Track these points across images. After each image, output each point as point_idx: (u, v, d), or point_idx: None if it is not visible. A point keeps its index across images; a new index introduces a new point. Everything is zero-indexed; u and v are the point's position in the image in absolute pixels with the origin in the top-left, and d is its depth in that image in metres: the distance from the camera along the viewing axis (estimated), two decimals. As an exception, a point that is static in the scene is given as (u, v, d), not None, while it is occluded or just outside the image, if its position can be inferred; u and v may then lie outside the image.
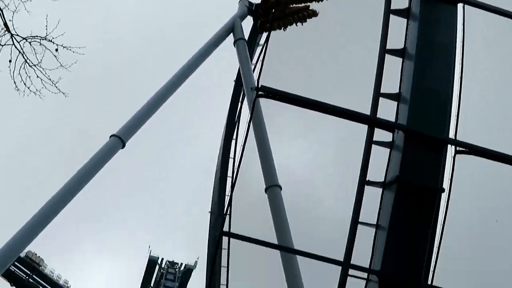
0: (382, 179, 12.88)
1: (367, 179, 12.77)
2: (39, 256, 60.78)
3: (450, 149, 12.72)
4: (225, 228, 27.13)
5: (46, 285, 61.50)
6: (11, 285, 59.71)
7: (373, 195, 13.02)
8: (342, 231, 13.08)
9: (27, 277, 59.95)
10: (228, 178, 31.89)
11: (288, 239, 20.26)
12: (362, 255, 12.98)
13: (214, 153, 38.12)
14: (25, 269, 59.66)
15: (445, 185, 12.77)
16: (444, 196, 12.88)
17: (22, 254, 57.05)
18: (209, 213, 32.17)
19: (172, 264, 53.51)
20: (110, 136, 24.82)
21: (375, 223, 12.73)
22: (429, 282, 12.43)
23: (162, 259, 54.66)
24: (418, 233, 12.12)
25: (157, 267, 54.84)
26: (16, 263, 57.29)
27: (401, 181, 12.03)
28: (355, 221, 12.61)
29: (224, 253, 31.39)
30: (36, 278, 60.44)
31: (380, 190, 12.87)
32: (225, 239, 31.35)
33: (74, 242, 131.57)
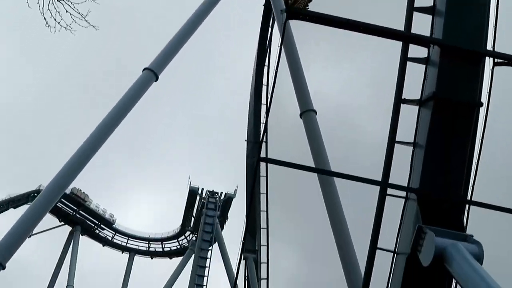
0: (418, 97, 12.66)
1: (403, 98, 12.54)
2: (83, 192, 62.62)
3: (488, 62, 12.34)
4: (262, 155, 27.56)
5: (93, 219, 63.72)
6: (60, 221, 62.08)
7: (409, 114, 12.85)
8: (379, 154, 13.04)
9: (74, 213, 62.04)
10: (262, 105, 31.87)
11: (325, 163, 20.35)
12: (400, 175, 12.97)
13: (247, 81, 38.06)
14: (71, 205, 61.71)
15: (483, 99, 12.50)
16: (482, 110, 12.64)
17: (68, 191, 58.94)
18: (246, 142, 32.49)
19: (212, 193, 54.52)
20: (143, 70, 24.96)
21: (412, 141, 12.62)
22: (468, 197, 12.41)
23: (203, 189, 55.74)
24: (456, 149, 11.97)
25: (198, 197, 56.03)
26: (62, 199, 59.35)
27: (438, 97, 11.78)
28: (392, 140, 12.52)
29: (262, 180, 31.86)
30: (83, 213, 62.50)
31: (416, 108, 12.67)
32: (262, 166, 31.80)
33: (116, 178, 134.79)
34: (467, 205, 12.34)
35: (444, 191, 12.00)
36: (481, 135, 13.33)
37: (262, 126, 32.01)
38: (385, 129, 12.91)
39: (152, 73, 24.67)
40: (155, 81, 24.86)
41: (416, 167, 12.35)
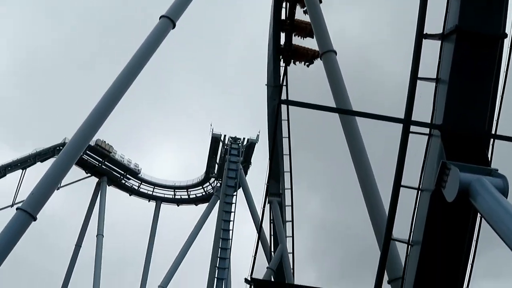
0: (440, 32, 12.35)
1: (424, 33, 12.25)
2: (108, 144, 63.27)
3: (513, -9, 11.93)
4: (283, 98, 27.44)
5: (118, 170, 64.62)
6: (86, 173, 63.11)
7: (432, 50, 12.58)
8: (401, 94, 12.85)
9: (99, 164, 62.92)
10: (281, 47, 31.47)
11: (346, 104, 20.19)
12: (423, 113, 12.82)
13: (266, 26, 37.54)
14: (96, 157, 62.53)
15: (508, 30, 12.15)
16: (506, 42, 12.32)
17: (92, 143, 59.65)
18: (266, 86, 32.32)
19: (234, 139, 54.61)
20: (160, 17, 24.74)
21: (435, 77, 12.41)
22: (493, 131, 12.26)
23: (225, 135, 55.89)
24: (480, 82, 11.76)
25: (221, 144, 56.26)
26: (87, 151, 60.18)
27: (461, 30, 11.49)
28: (414, 77, 12.31)
29: (284, 124, 31.88)
30: (108, 164, 63.35)
31: (439, 43, 12.40)
32: (284, 110, 31.76)
33: (139, 129, 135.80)
34: (492, 139, 12.22)
35: (468, 126, 11.87)
36: (506, 68, 13.07)
37: (282, 70, 31.81)
38: (407, 68, 12.68)
39: (169, 21, 24.46)
40: (172, 28, 24.65)
41: (439, 103, 12.20)
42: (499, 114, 12.41)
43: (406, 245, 13.09)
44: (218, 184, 59.24)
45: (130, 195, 67.16)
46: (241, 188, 51.04)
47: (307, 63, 32.47)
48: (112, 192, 65.04)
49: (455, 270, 12.43)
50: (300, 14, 31.16)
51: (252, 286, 17.32)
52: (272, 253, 33.77)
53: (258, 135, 56.62)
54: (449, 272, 12.45)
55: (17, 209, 20.49)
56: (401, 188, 12.79)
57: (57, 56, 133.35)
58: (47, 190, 21.48)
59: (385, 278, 14.35)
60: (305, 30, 31.22)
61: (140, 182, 67.08)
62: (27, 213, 19.88)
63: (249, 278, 14.70)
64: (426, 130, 12.68)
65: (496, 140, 12.28)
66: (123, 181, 65.98)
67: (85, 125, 23.39)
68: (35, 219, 20.10)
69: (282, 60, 32.91)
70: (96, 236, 56.84)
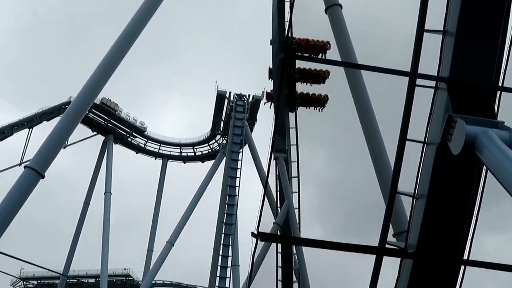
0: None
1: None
2: (113, 102, 63.19)
3: None
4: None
5: (124, 128, 64.66)
6: (92, 131, 63.20)
7: (439, 2, 12.34)
8: (408, 49, 12.67)
9: (105, 122, 62.94)
10: (286, 2, 30.91)
11: (352, 58, 20.00)
12: (429, 67, 12.68)
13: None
14: (102, 115, 62.53)
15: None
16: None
17: (97, 101, 59.62)
18: (270, 43, 31.90)
19: (240, 96, 54.28)
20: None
21: (441, 29, 12.22)
22: (500, 83, 12.14)
23: (230, 92, 55.62)
24: (488, 34, 11.58)
25: (226, 101, 56.03)
26: (93, 110, 60.14)
27: (469, -20, 11.24)
28: (421, 28, 12.13)
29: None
30: (114, 122, 63.37)
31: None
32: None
33: (145, 87, 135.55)
34: (498, 92, 12.11)
35: (475, 78, 11.75)
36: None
37: (287, 25, 31.35)
38: (413, 21, 12.46)
39: (172, -24, 24.12)
40: (176, -17, 24.31)
41: (446, 56, 12.04)
42: (507, 66, 12.23)
43: (411, 199, 13.15)
44: (224, 141, 59.36)
45: (136, 153, 67.52)
46: (247, 145, 51.15)
47: None
48: (118, 150, 65.45)
49: (460, 223, 12.52)
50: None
51: (259, 240, 17.53)
52: (279, 209, 34.01)
53: (263, 92, 56.27)
54: (453, 225, 12.54)
55: (25, 167, 20.67)
56: (407, 142, 12.78)
57: (62, 15, 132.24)
58: (54, 148, 21.62)
59: (390, 232, 14.47)
60: None
61: (146, 140, 67.32)
62: (35, 170, 20.06)
63: (255, 232, 14.83)
64: (432, 83, 12.56)
65: (503, 92, 12.17)
66: (129, 139, 66.23)
67: (89, 83, 23.38)
68: (43, 176, 20.28)
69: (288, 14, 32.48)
70: (104, 194, 57.39)
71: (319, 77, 32.17)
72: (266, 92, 34.38)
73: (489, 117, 10.87)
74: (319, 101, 33.39)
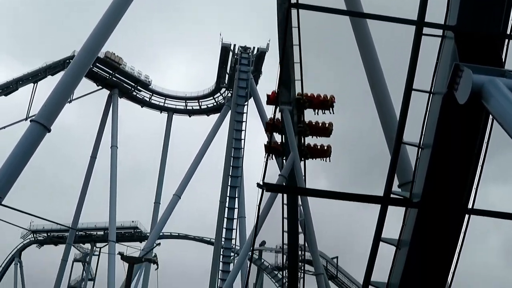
0: None
1: None
2: (117, 56, 62.79)
3: None
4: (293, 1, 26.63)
5: (129, 81, 64.43)
6: (97, 85, 63.01)
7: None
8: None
9: (110, 76, 62.68)
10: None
11: (358, 7, 19.72)
12: (436, 16, 12.48)
13: None
14: (106, 69, 62.22)
15: None
16: None
17: (101, 55, 59.24)
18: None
19: (244, 49, 53.74)
20: None
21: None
22: (508, 32, 11.94)
23: (235, 45, 55.06)
24: None
25: (231, 53, 55.54)
26: (97, 64, 59.87)
27: None
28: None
29: (295, 32, 31.22)
30: (118, 76, 63.11)
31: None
32: (294, 16, 31.00)
33: (148, 40, 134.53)
34: (506, 40, 11.94)
35: (483, 26, 11.57)
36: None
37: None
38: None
39: None
40: None
41: (454, 4, 11.85)
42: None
43: (416, 149, 13.15)
44: (229, 94, 59.18)
45: (142, 106, 67.49)
46: (252, 97, 51.00)
47: None
48: (124, 104, 65.46)
49: (465, 173, 12.55)
50: None
51: (264, 191, 17.68)
52: (284, 161, 34.16)
53: (268, 44, 55.79)
54: (458, 175, 12.58)
55: (31, 121, 20.77)
56: (412, 93, 12.69)
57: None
58: (59, 102, 21.66)
59: (395, 182, 14.54)
60: None
61: (151, 93, 67.18)
62: (41, 124, 20.15)
63: (261, 183, 14.93)
64: (439, 32, 12.38)
65: (511, 41, 11.99)
66: (134, 93, 66.10)
67: (92, 37, 23.22)
68: (49, 130, 20.38)
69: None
70: (111, 147, 57.73)
71: (327, 131, 33.22)
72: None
73: (496, 66, 10.72)
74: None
